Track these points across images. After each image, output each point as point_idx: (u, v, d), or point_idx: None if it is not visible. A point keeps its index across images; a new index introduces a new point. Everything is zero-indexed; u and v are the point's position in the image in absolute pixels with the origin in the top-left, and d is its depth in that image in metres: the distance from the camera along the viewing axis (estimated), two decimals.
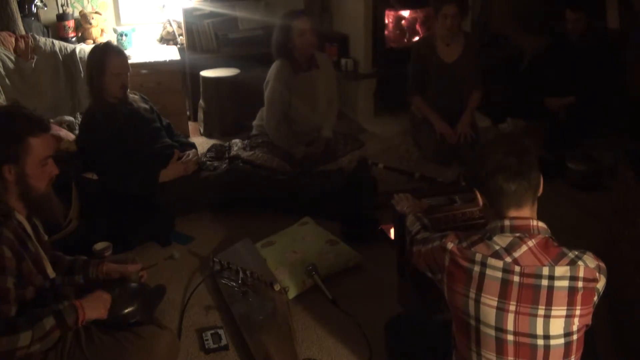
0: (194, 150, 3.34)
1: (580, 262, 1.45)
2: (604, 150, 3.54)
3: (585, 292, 1.44)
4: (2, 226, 1.65)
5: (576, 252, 1.47)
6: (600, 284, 1.47)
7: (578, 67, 3.83)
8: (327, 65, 3.68)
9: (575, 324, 1.45)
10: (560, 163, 3.52)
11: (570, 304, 1.43)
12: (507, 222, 1.51)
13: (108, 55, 2.94)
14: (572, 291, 1.43)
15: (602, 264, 1.49)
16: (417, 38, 4.55)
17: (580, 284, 1.43)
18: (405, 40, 4.67)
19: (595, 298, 1.47)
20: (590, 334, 1.54)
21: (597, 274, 1.46)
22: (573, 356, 1.47)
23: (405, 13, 4.63)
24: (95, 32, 4.28)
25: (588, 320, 1.47)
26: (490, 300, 1.47)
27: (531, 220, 1.51)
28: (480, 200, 1.60)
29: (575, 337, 1.46)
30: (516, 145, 1.53)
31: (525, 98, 4.17)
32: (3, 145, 1.71)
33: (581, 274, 1.44)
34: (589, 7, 3.82)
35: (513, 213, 1.52)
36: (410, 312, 2.20)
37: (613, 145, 3.49)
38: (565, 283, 1.43)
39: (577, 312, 1.44)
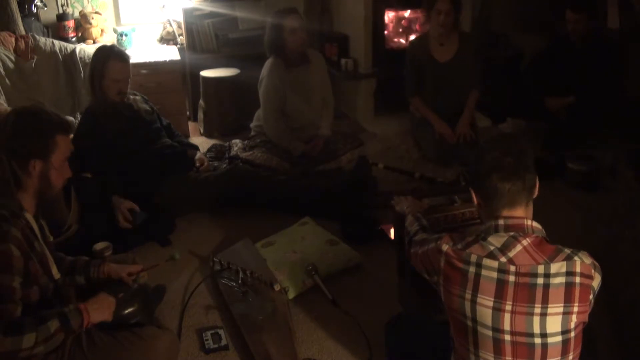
0: (200, 156, 3.37)
1: (576, 258, 1.46)
2: (604, 150, 3.54)
3: (582, 288, 1.44)
4: (10, 225, 1.65)
5: (572, 249, 1.48)
6: (596, 282, 1.48)
7: (578, 68, 3.83)
8: (319, 61, 3.70)
9: (573, 320, 1.45)
10: (560, 163, 3.52)
11: (568, 300, 1.43)
12: (501, 222, 1.52)
13: (110, 59, 2.92)
14: (569, 287, 1.43)
15: (597, 262, 1.50)
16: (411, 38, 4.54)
17: (577, 279, 1.44)
18: (405, 40, 4.67)
19: (591, 296, 1.47)
20: (589, 334, 1.54)
21: (593, 271, 1.47)
22: (571, 353, 1.48)
23: (406, 13, 4.63)
24: (95, 32, 4.28)
25: (585, 317, 1.48)
26: (486, 301, 1.47)
27: (525, 220, 1.52)
28: (475, 200, 1.61)
29: (572, 334, 1.46)
30: (514, 146, 1.54)
31: (525, 98, 4.17)
32: (35, 140, 1.75)
33: (578, 269, 1.44)
34: (590, 7, 3.81)
35: (506, 213, 1.52)
36: (410, 312, 2.20)
37: (613, 145, 3.48)
38: (561, 279, 1.43)
39: (575, 309, 1.44)
